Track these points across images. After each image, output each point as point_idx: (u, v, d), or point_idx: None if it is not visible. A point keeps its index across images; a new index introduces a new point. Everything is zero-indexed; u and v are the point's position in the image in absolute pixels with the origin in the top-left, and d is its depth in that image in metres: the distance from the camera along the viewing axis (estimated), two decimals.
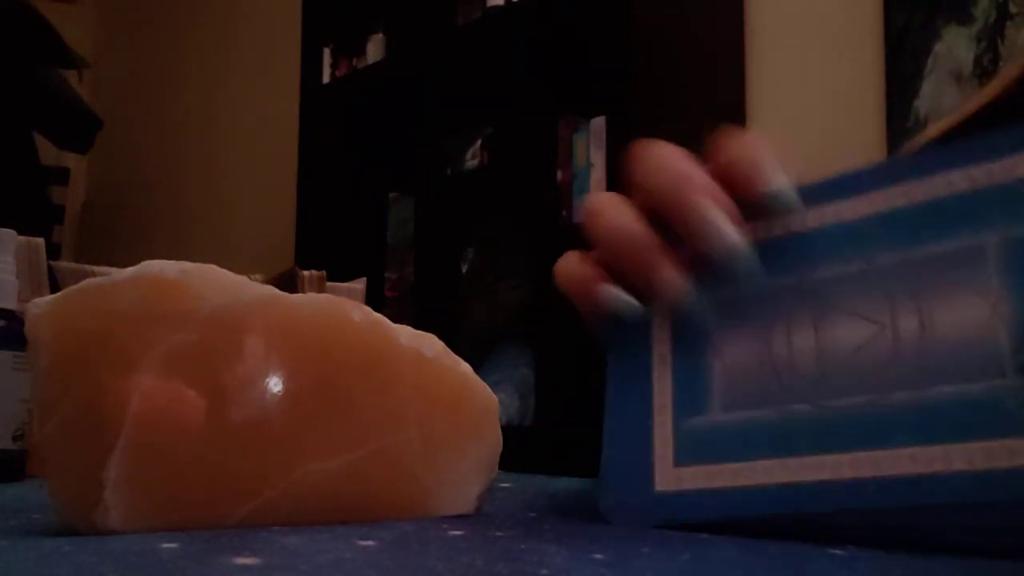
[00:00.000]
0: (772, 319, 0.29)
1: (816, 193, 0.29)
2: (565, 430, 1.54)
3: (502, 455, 0.35)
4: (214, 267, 0.30)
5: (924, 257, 0.26)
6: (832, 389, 0.27)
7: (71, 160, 3.09)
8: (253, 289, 0.30)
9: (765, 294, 0.29)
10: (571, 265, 0.33)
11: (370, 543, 0.26)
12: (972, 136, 0.27)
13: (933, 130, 0.49)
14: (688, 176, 0.30)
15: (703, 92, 1.61)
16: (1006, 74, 0.48)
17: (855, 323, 0.27)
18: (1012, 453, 0.24)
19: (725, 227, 0.29)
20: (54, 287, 0.64)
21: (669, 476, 0.30)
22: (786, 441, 0.27)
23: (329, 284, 0.76)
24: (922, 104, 1.45)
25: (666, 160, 0.31)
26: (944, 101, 1.42)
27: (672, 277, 0.30)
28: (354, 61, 2.19)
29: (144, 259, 0.30)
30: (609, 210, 0.31)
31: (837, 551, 0.25)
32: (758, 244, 0.29)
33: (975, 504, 0.24)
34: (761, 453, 0.28)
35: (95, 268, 0.64)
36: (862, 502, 0.26)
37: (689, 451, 0.30)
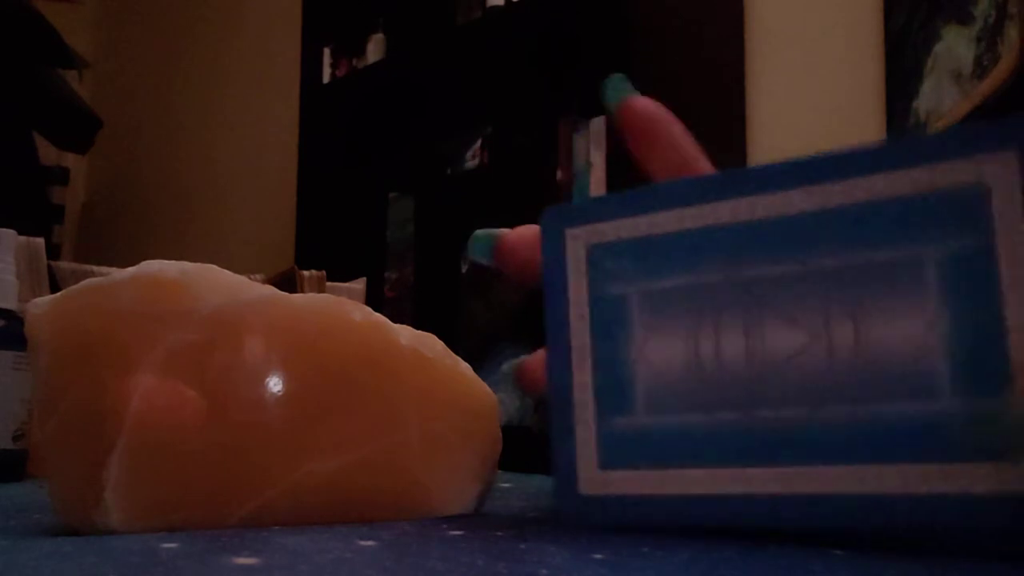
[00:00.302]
0: (699, 316, 0.27)
1: (747, 182, 0.27)
2: None
3: (502, 455, 0.35)
4: (214, 267, 0.30)
5: (861, 263, 0.25)
6: (763, 399, 0.26)
7: (71, 160, 3.10)
8: (253, 289, 0.30)
9: (691, 287, 0.27)
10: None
11: (370, 543, 0.26)
12: (918, 134, 0.25)
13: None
14: None
15: (703, 92, 1.61)
16: (996, 75, 0.48)
17: (788, 330, 0.26)
18: (947, 477, 0.23)
19: None
20: (54, 287, 0.64)
21: (594, 479, 0.29)
22: (715, 450, 0.27)
23: (329, 284, 0.76)
24: (922, 104, 1.45)
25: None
26: (944, 101, 1.42)
27: None
28: (354, 61, 2.19)
29: (144, 259, 0.30)
30: None
31: (837, 551, 0.25)
32: (685, 233, 0.27)
33: (910, 527, 0.24)
34: (689, 461, 0.27)
35: (95, 268, 0.64)
36: (791, 519, 0.25)
37: (614, 454, 0.28)
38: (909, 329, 0.24)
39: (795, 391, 0.25)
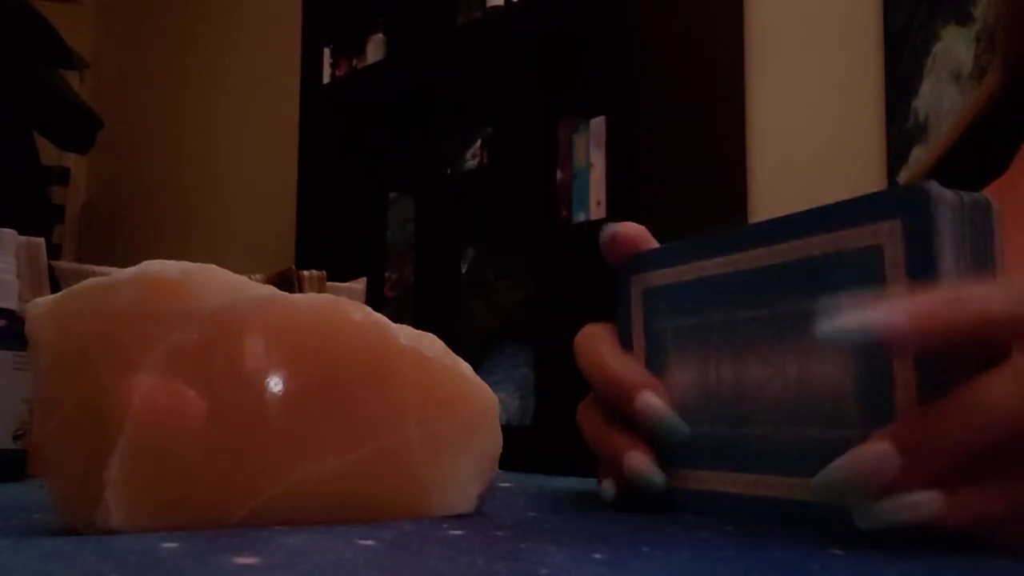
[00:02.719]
0: (706, 349, 0.34)
1: (719, 244, 0.33)
2: (565, 430, 1.54)
3: (502, 455, 0.35)
4: (215, 267, 0.30)
5: (804, 311, 0.30)
6: (744, 418, 0.32)
7: (71, 160, 3.10)
8: (254, 289, 0.30)
9: (701, 326, 0.34)
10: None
11: (370, 543, 0.26)
12: (844, 202, 0.29)
13: (927, 157, 0.50)
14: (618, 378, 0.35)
15: (702, 92, 1.61)
16: (982, 92, 0.49)
17: (760, 364, 0.32)
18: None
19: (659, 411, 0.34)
20: (55, 287, 0.64)
21: None
22: (709, 456, 0.34)
23: (329, 284, 0.76)
24: (921, 104, 1.45)
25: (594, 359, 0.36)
26: (943, 101, 1.42)
27: (636, 462, 0.34)
28: (354, 61, 2.19)
29: (144, 259, 0.30)
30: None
31: (837, 551, 0.26)
32: (687, 282, 0.34)
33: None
34: (696, 463, 0.34)
35: (96, 268, 0.64)
36: (752, 517, 0.32)
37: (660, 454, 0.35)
38: (831, 366, 0.29)
39: (763, 413, 0.32)
